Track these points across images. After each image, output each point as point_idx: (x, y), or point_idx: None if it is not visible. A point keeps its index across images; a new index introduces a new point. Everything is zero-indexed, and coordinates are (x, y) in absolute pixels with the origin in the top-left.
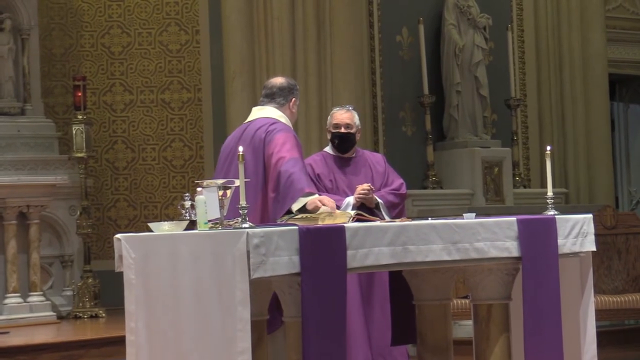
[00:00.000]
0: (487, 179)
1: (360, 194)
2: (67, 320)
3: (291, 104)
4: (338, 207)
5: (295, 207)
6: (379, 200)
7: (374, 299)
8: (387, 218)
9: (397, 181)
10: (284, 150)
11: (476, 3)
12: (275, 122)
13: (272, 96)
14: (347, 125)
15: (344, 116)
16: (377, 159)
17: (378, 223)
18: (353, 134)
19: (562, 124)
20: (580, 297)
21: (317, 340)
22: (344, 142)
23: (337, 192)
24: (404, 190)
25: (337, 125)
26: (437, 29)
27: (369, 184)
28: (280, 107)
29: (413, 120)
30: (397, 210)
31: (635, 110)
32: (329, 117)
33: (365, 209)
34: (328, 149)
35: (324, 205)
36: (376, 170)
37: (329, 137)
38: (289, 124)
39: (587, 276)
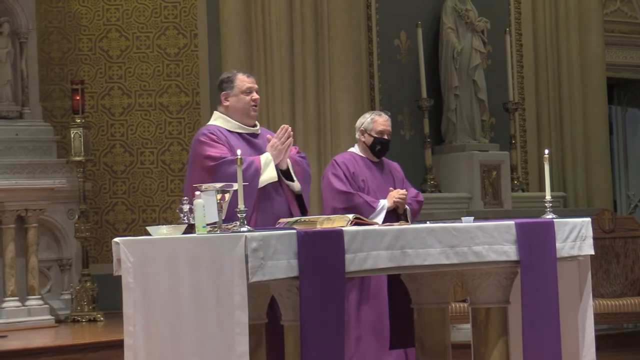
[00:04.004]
0: (485, 183)
1: (398, 198)
2: (65, 324)
3: (222, 99)
4: (373, 209)
5: (267, 176)
6: (407, 207)
7: None
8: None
9: (413, 189)
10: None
11: (474, 7)
12: (197, 132)
13: None
14: (389, 133)
15: (387, 123)
16: (395, 166)
17: (376, 227)
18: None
19: (560, 128)
20: (578, 301)
21: (315, 345)
22: (386, 148)
23: (367, 192)
24: (421, 198)
25: (382, 132)
26: (435, 33)
27: (405, 191)
28: (219, 106)
29: (411, 123)
30: (417, 217)
31: (633, 114)
32: (367, 121)
33: (395, 214)
34: (356, 150)
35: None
36: (396, 176)
37: (364, 139)
38: (217, 122)
39: (586, 280)
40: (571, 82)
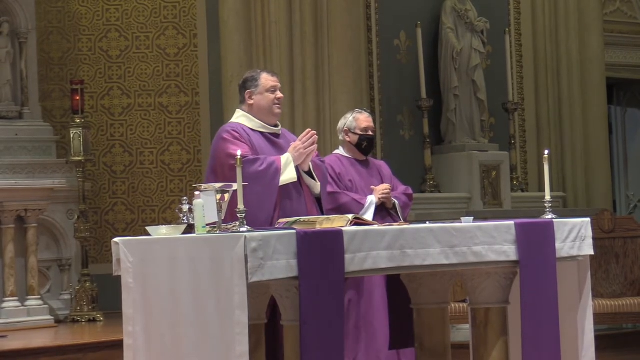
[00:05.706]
0: (484, 183)
1: (383, 194)
2: (64, 324)
3: (247, 97)
4: (362, 205)
5: (287, 177)
6: (395, 201)
7: None
8: (401, 218)
9: (402, 185)
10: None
11: (474, 7)
12: (220, 129)
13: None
14: (373, 129)
15: (370, 120)
16: (381, 164)
17: (376, 227)
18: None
19: (560, 128)
20: (578, 301)
21: (315, 345)
22: (372, 145)
23: (356, 191)
24: (411, 191)
25: (366, 129)
26: (434, 33)
27: (388, 184)
28: (241, 105)
29: (411, 124)
30: (408, 210)
31: (632, 114)
32: (349, 120)
33: (384, 209)
34: (341, 151)
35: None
36: (383, 173)
37: (349, 139)
38: (240, 120)
39: (585, 280)
40: (571, 82)
